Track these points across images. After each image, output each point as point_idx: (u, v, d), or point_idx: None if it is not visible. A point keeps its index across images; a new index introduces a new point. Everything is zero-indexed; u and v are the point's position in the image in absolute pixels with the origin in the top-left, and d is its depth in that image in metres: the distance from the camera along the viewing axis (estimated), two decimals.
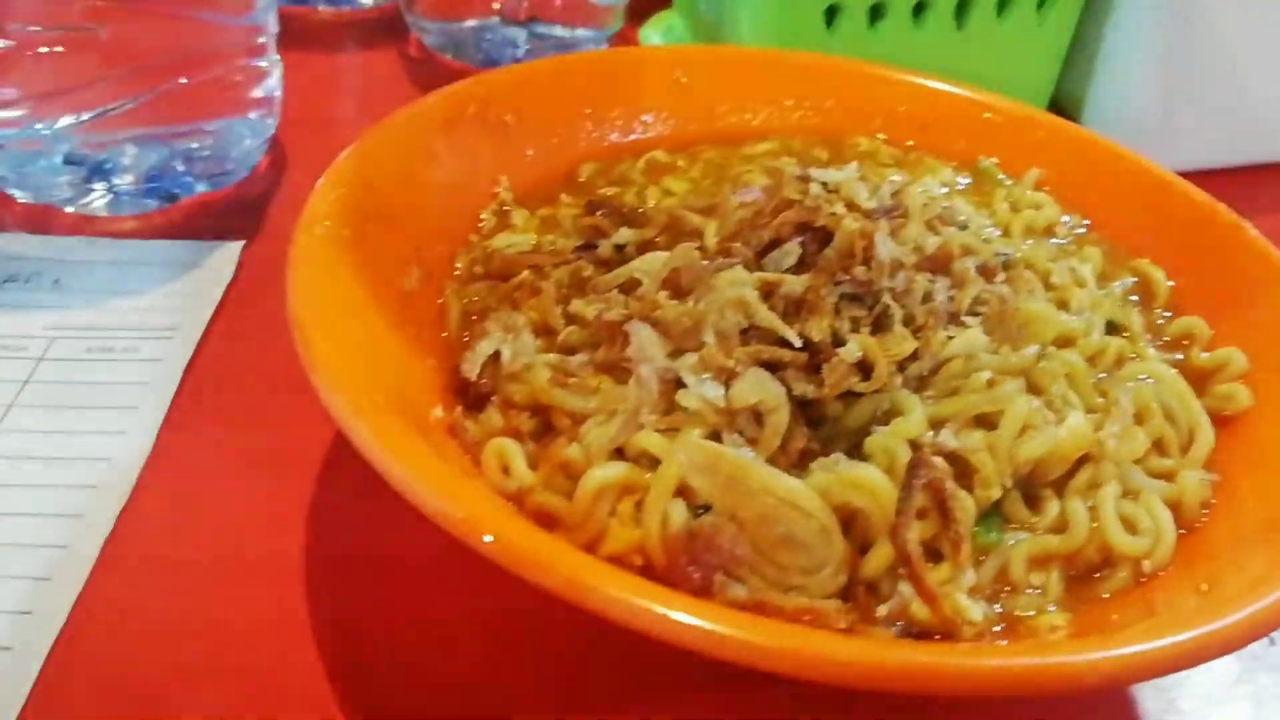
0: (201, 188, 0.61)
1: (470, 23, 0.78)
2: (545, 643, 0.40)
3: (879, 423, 0.39)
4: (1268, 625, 0.32)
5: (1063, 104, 0.78)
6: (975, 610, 0.36)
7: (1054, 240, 0.53)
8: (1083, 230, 0.54)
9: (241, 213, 0.61)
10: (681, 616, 0.29)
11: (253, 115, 0.61)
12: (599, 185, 0.55)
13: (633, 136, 0.58)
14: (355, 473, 0.44)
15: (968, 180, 0.57)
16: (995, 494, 0.38)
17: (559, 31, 0.79)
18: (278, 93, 0.63)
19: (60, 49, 0.53)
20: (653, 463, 0.37)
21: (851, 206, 0.42)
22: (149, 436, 0.47)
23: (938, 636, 0.35)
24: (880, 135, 0.60)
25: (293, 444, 0.46)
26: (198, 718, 0.36)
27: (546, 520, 0.37)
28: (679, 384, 0.39)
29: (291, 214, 0.61)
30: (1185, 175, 0.54)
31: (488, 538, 0.31)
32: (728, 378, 0.38)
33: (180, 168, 0.59)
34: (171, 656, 0.38)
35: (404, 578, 0.42)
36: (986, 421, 0.39)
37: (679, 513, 0.36)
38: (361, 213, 0.44)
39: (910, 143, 0.60)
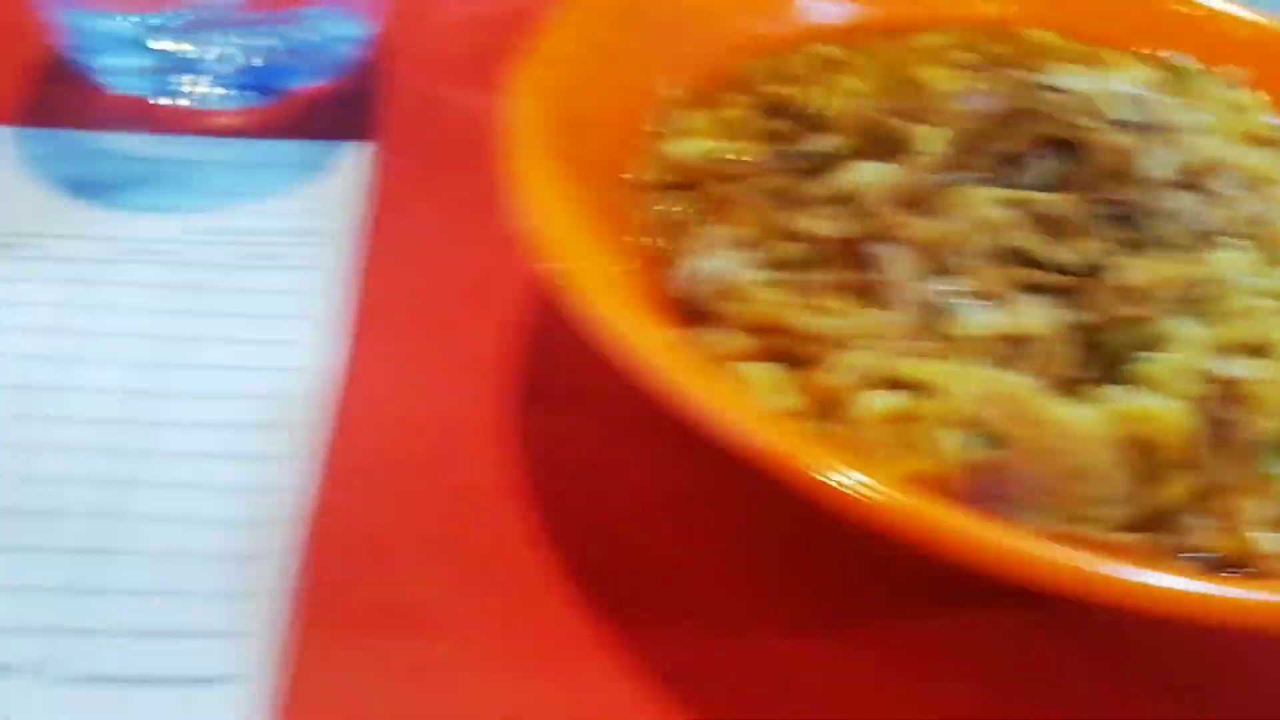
0: (300, 81, 0.56)
1: None
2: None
3: (1142, 349, 0.37)
4: None
5: None
6: (1271, 540, 0.34)
7: None
8: None
9: (351, 110, 0.56)
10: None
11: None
12: (764, 83, 0.51)
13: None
14: (561, 378, 0.44)
15: (1159, 81, 0.53)
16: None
17: None
18: None
19: None
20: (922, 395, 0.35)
21: (1099, 118, 0.39)
22: (334, 345, 0.44)
23: (1233, 570, 0.34)
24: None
25: (486, 350, 0.45)
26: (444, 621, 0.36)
27: None
28: (939, 310, 0.36)
29: (415, 114, 0.57)
30: None
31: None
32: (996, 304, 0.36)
33: (277, 58, 0.54)
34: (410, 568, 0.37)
35: (628, 473, 0.41)
36: (1256, 350, 0.37)
37: (963, 445, 0.34)
38: (565, 123, 0.40)
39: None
